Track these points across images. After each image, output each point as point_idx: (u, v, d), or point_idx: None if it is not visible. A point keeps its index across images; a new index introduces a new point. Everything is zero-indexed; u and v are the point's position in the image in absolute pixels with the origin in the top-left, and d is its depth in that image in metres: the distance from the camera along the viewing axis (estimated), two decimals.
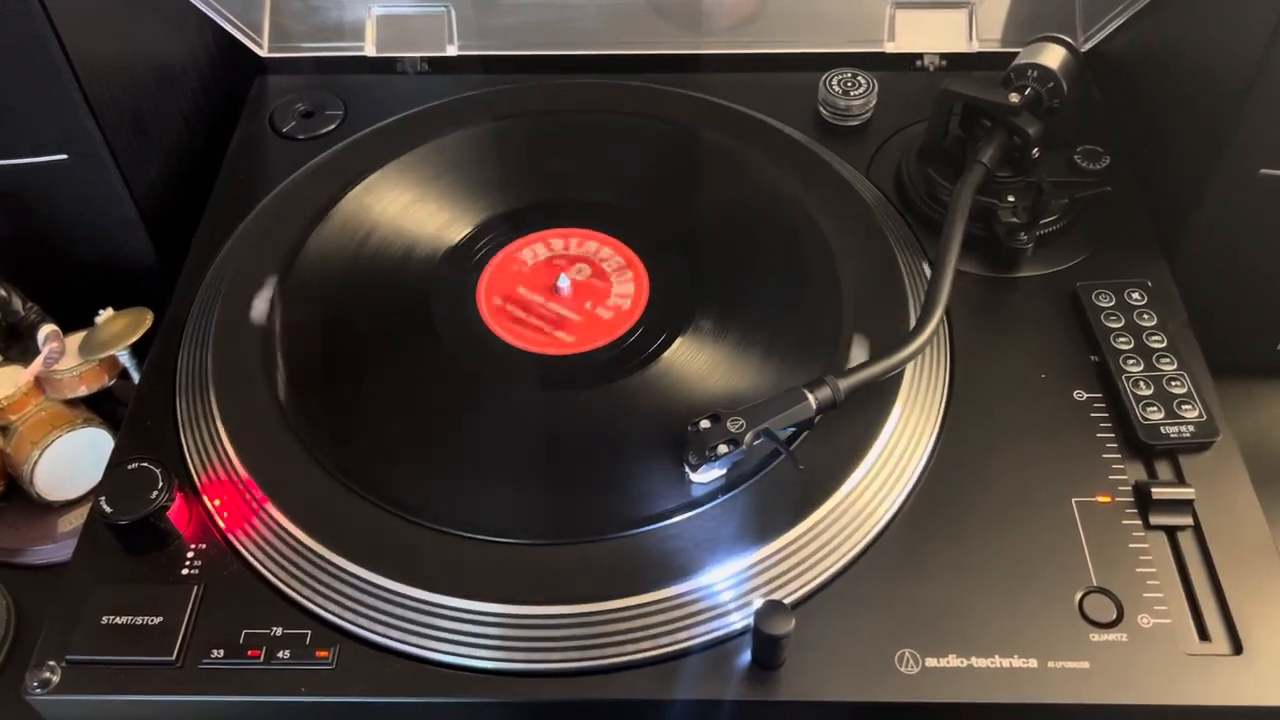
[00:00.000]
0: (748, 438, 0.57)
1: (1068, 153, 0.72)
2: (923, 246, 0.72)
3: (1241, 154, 0.67)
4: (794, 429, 0.60)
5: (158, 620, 0.55)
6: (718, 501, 0.58)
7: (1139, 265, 0.70)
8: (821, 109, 0.81)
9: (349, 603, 0.56)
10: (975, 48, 0.86)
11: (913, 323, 0.64)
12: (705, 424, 0.58)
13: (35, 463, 0.70)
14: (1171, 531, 0.58)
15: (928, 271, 0.69)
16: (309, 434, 0.62)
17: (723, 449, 0.57)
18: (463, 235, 0.74)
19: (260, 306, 0.68)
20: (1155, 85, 0.79)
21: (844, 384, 0.59)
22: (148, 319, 0.72)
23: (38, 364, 0.70)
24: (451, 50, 0.87)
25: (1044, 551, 0.58)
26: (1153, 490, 0.59)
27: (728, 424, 0.58)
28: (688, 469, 0.58)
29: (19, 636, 0.67)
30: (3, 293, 0.71)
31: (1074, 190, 0.71)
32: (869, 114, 0.81)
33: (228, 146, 0.82)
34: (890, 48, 0.86)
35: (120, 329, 0.72)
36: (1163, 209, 0.74)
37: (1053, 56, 0.73)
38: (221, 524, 0.59)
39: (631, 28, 0.87)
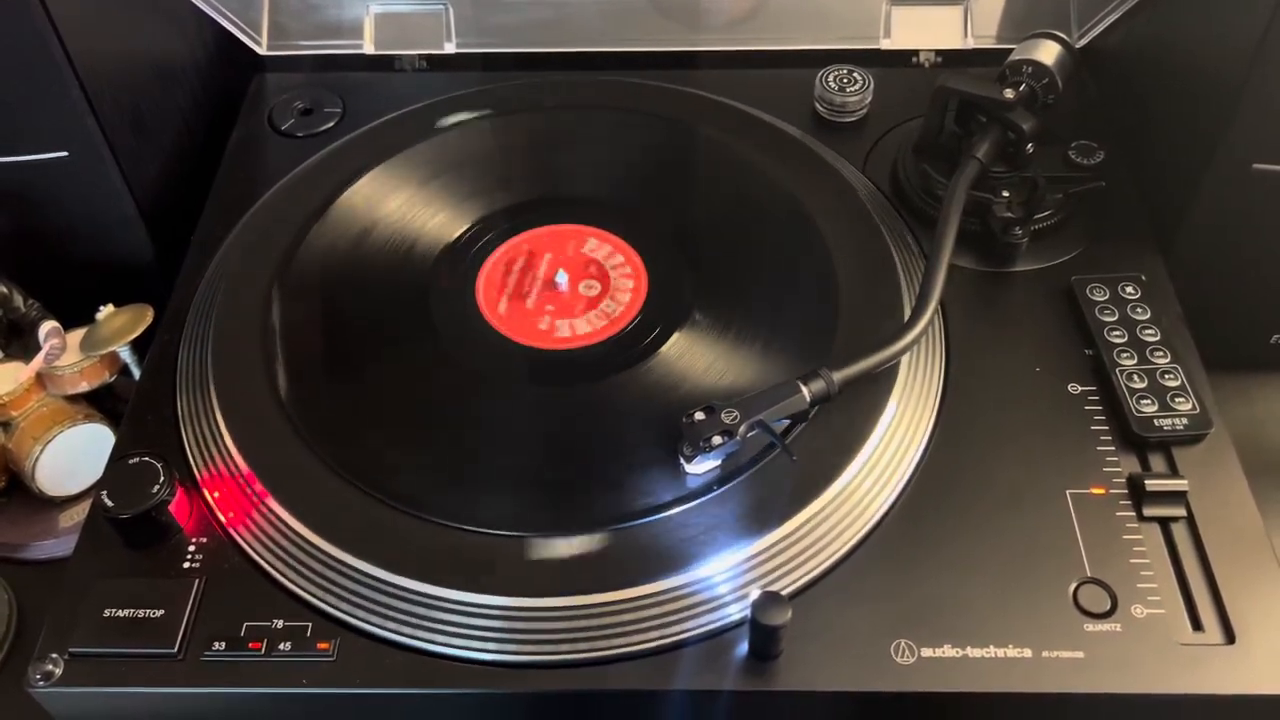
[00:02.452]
0: (741, 429, 0.58)
1: (1062, 148, 0.73)
2: (918, 241, 0.72)
3: (1235, 149, 0.68)
4: (789, 421, 0.60)
5: (159, 613, 0.56)
6: (715, 494, 0.58)
7: (1133, 259, 0.71)
8: (818, 105, 0.82)
9: (349, 595, 0.56)
10: (971, 44, 0.86)
11: (907, 317, 0.65)
12: (700, 415, 0.59)
13: (37, 458, 0.70)
14: (1165, 523, 0.59)
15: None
16: (309, 428, 0.62)
17: (717, 440, 0.58)
18: (461, 231, 0.74)
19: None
20: (1150, 80, 0.79)
21: (838, 376, 0.60)
22: (148, 315, 0.73)
23: (39, 360, 0.71)
24: (449, 48, 0.88)
25: (1038, 543, 0.58)
26: (1146, 482, 0.59)
27: (722, 415, 0.58)
28: (682, 460, 0.59)
29: (21, 631, 0.67)
30: (4, 289, 0.71)
31: (1069, 185, 0.71)
32: (865, 110, 0.81)
33: (227, 144, 0.82)
34: (886, 44, 0.86)
35: (121, 325, 0.72)
36: (1157, 203, 0.74)
37: (1047, 53, 0.74)
38: (222, 518, 0.60)
39: (629, 25, 0.87)
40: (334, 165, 0.77)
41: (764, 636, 0.53)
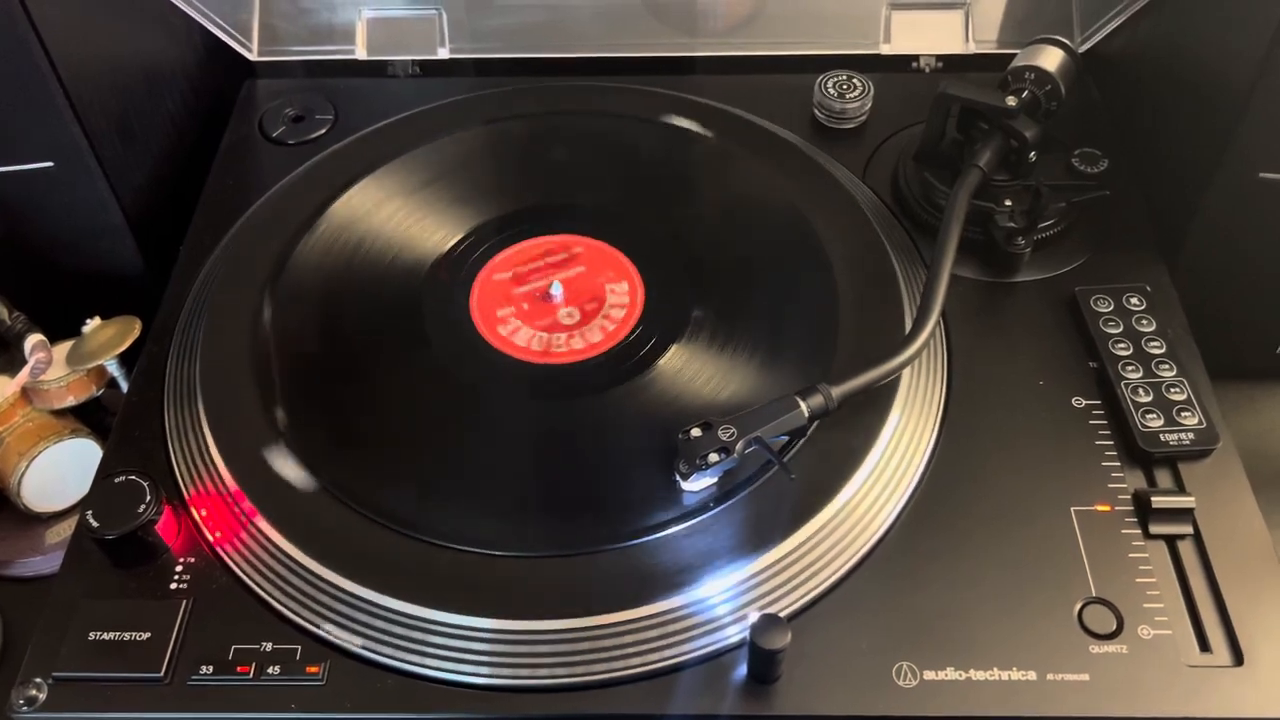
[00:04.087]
0: (739, 446, 0.57)
1: (1065, 156, 0.72)
2: (919, 251, 0.71)
3: (1241, 157, 0.67)
4: (787, 437, 0.59)
5: (146, 636, 0.55)
6: (713, 513, 0.57)
7: (1138, 270, 0.70)
8: (817, 111, 0.80)
9: (339, 617, 0.55)
10: (971, 49, 0.85)
11: (909, 329, 0.64)
12: (696, 432, 0.57)
13: (22, 474, 0.69)
14: (1172, 540, 0.58)
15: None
16: (299, 446, 0.61)
17: (714, 457, 0.56)
18: (455, 241, 0.73)
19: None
20: (1154, 87, 0.78)
21: (837, 391, 0.59)
22: (136, 328, 0.71)
23: (24, 374, 0.69)
24: (443, 53, 0.87)
25: (1043, 562, 0.57)
26: (1152, 499, 0.58)
27: (719, 432, 0.57)
28: (678, 477, 0.58)
29: (7, 650, 0.66)
30: None
31: (1072, 194, 0.70)
32: (864, 116, 0.80)
33: (216, 151, 0.81)
34: (886, 49, 0.85)
35: (108, 338, 0.71)
36: (1162, 213, 0.73)
37: (1050, 58, 0.73)
38: (210, 537, 0.59)
39: (625, 30, 0.86)
40: (326, 173, 0.76)
41: (763, 660, 0.52)
